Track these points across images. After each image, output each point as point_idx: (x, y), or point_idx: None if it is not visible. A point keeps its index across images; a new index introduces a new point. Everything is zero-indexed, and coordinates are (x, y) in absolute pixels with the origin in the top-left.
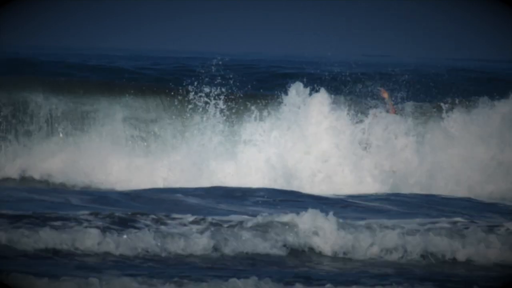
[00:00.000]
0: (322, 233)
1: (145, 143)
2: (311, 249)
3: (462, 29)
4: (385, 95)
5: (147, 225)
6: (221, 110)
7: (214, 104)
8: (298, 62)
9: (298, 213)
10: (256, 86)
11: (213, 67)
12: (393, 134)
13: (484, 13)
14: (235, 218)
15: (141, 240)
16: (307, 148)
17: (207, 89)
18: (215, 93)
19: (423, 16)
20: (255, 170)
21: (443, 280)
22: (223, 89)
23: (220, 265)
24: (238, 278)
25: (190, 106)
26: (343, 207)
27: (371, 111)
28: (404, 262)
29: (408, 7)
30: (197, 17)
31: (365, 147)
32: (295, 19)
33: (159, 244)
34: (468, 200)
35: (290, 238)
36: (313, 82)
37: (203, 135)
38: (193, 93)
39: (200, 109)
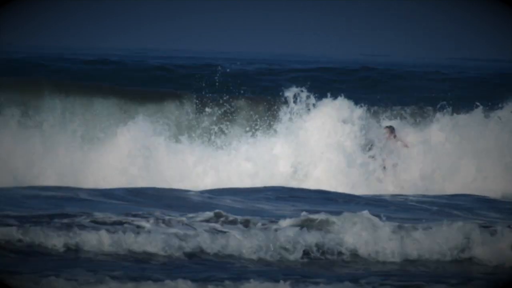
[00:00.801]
0: (366, 235)
1: (147, 146)
2: (354, 250)
3: (462, 29)
4: (389, 135)
5: (156, 223)
6: (224, 132)
7: (219, 128)
8: (299, 61)
9: (337, 214)
10: (256, 91)
11: (216, 79)
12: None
13: (484, 13)
14: (251, 217)
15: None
16: (307, 175)
17: (208, 106)
18: (219, 112)
19: (423, 16)
20: None
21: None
22: (228, 106)
23: (260, 265)
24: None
25: (189, 123)
26: (345, 202)
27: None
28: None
29: (408, 7)
30: (197, 17)
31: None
32: (295, 19)
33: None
34: (471, 197)
35: (330, 239)
36: (316, 87)
37: (202, 156)
38: (193, 106)
39: (201, 130)
